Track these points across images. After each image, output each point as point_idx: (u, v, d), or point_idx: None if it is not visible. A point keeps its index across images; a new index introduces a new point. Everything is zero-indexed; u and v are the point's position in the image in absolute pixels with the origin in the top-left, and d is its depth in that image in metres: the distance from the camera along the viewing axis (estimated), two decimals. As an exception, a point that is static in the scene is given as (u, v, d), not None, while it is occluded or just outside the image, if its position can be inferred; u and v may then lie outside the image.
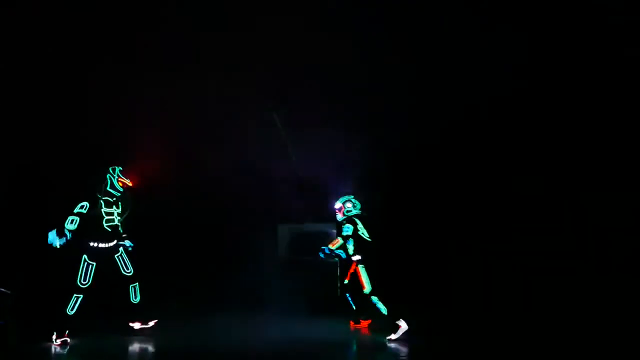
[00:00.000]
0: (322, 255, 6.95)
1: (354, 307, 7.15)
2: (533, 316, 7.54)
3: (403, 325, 6.33)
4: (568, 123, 8.91)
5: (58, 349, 5.78)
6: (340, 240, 6.90)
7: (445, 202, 9.57)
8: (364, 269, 6.83)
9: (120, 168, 6.54)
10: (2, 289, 6.93)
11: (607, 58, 8.40)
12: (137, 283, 6.36)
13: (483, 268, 8.97)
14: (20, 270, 7.81)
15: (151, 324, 6.30)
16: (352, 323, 7.17)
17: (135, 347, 5.94)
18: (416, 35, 8.67)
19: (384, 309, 6.58)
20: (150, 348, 5.91)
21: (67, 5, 7.64)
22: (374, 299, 6.68)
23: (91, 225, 6.16)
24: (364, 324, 7.16)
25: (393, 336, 6.31)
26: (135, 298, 6.29)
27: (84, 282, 6.04)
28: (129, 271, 6.34)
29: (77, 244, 6.11)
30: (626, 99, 8.36)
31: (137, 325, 6.28)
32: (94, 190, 6.31)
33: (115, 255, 6.32)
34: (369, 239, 6.98)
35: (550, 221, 8.92)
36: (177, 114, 8.70)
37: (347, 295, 7.20)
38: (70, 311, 6.00)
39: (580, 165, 8.79)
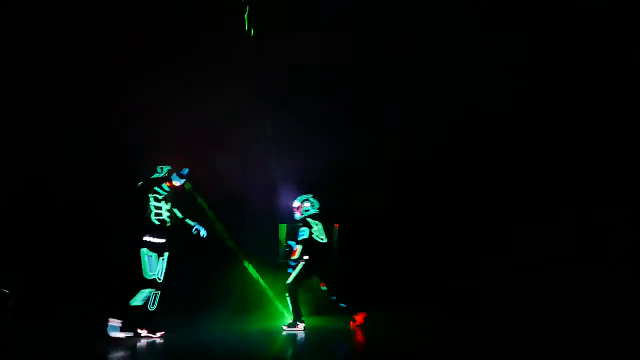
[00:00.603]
0: (290, 270, 7.05)
1: (344, 306, 7.20)
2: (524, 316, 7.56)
3: (300, 327, 6.81)
4: (566, 127, 8.96)
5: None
6: (299, 248, 7.00)
7: (441, 203, 9.61)
8: (302, 267, 6.97)
9: (169, 167, 6.39)
10: (2, 289, 6.94)
11: (609, 60, 8.45)
12: (160, 292, 6.24)
13: (480, 268, 9.02)
14: (20, 270, 7.83)
15: (158, 334, 6.26)
16: (352, 323, 7.19)
17: (134, 346, 5.93)
18: (413, 37, 8.72)
19: (291, 308, 6.89)
20: (150, 347, 5.90)
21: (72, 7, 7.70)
22: (289, 298, 6.92)
23: (142, 219, 6.12)
24: (360, 318, 7.15)
25: (287, 328, 6.82)
26: (153, 305, 6.19)
27: (153, 273, 6.03)
28: (160, 277, 6.22)
29: (133, 240, 6.10)
30: (627, 98, 8.42)
31: (144, 332, 6.24)
32: (144, 186, 6.23)
33: (160, 258, 6.22)
34: (323, 241, 7.10)
35: (549, 223, 8.98)
36: (178, 115, 8.71)
37: (333, 297, 7.23)
38: (152, 307, 6.03)
39: (576, 166, 8.84)
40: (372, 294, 9.09)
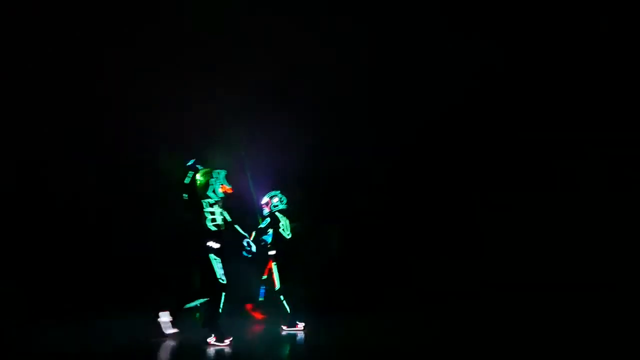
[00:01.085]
0: (245, 253, 6.98)
1: (261, 299, 7.34)
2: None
3: (299, 326, 6.80)
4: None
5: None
6: (253, 233, 7.03)
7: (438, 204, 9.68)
8: (276, 266, 7.06)
9: (226, 172, 6.20)
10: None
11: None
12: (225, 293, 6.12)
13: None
14: (19, 270, 7.86)
15: (172, 331, 6.13)
16: (248, 306, 7.36)
17: (135, 345, 5.95)
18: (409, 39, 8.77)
19: (287, 308, 6.92)
20: (152, 347, 5.92)
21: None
22: (281, 297, 6.99)
23: (198, 225, 5.99)
24: (258, 315, 7.33)
25: (286, 328, 6.80)
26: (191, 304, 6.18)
27: (224, 278, 5.91)
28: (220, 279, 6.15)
29: (198, 247, 5.97)
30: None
31: (164, 318, 6.11)
32: (192, 191, 6.01)
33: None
34: (287, 236, 7.18)
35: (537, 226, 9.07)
36: (176, 114, 8.75)
37: (262, 287, 7.34)
38: (220, 311, 5.87)
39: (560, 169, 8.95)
40: (370, 294, 9.18)
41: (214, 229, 6.01)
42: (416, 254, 9.42)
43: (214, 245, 5.97)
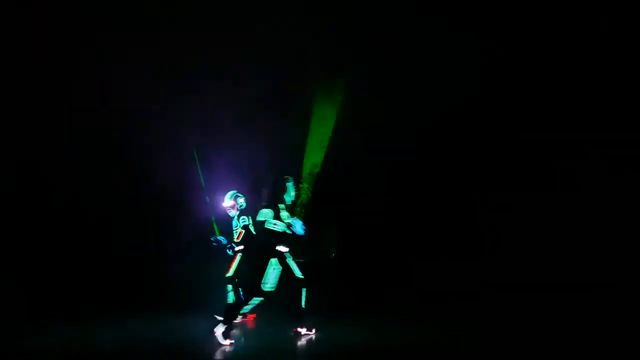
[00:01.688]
0: (231, 252, 7.14)
1: (242, 299, 7.34)
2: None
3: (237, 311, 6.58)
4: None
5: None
6: (243, 231, 7.14)
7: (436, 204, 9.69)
8: (240, 257, 7.15)
9: (293, 178, 6.31)
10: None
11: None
12: (305, 288, 6.24)
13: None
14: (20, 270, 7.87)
15: (313, 331, 6.26)
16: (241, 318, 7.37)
17: (136, 346, 5.96)
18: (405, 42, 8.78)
19: (230, 299, 6.91)
20: (152, 343, 5.93)
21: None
22: (229, 287, 7.04)
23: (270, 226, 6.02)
24: (250, 317, 7.30)
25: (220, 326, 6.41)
26: (303, 303, 6.22)
27: (267, 287, 5.93)
28: (298, 275, 6.21)
29: (267, 247, 6.00)
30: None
31: (303, 331, 6.22)
32: (275, 195, 6.12)
33: (287, 260, 6.19)
34: (254, 233, 7.20)
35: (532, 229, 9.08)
36: (177, 114, 8.75)
37: (228, 286, 7.34)
38: (242, 312, 5.94)
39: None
40: (370, 294, 9.18)
41: (289, 232, 6.09)
42: (416, 254, 9.42)
43: (283, 249, 6.06)
